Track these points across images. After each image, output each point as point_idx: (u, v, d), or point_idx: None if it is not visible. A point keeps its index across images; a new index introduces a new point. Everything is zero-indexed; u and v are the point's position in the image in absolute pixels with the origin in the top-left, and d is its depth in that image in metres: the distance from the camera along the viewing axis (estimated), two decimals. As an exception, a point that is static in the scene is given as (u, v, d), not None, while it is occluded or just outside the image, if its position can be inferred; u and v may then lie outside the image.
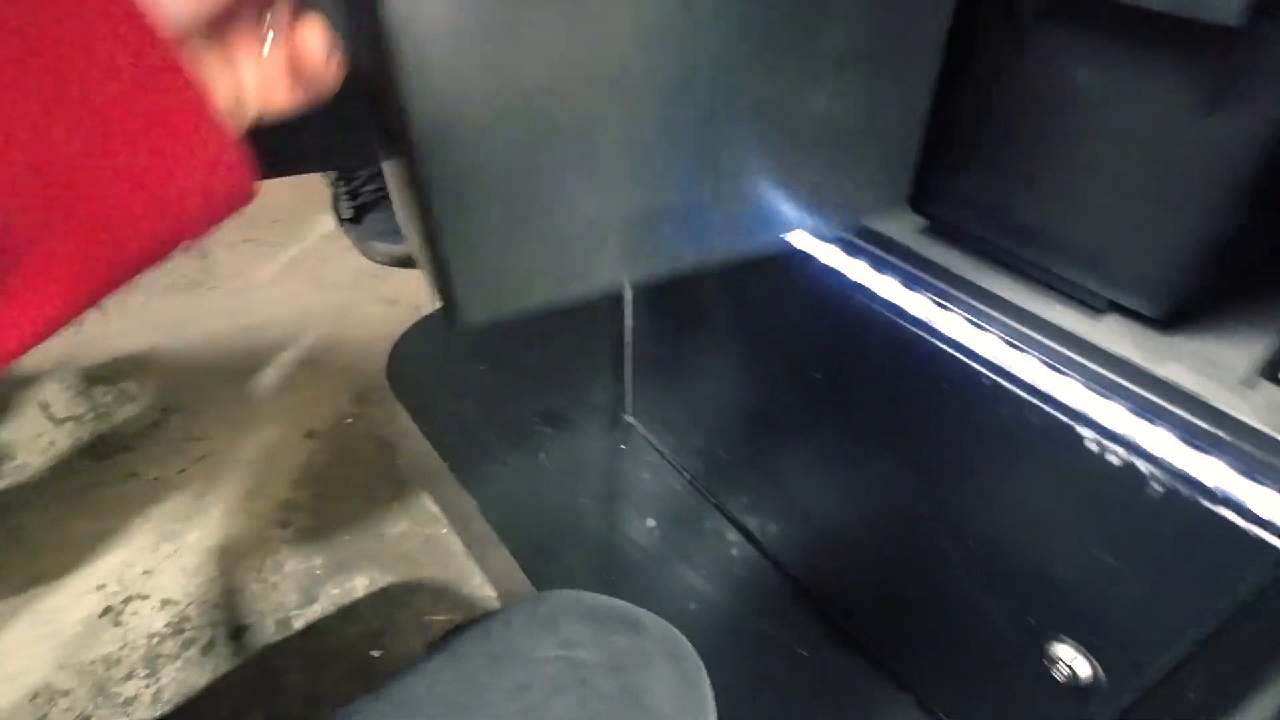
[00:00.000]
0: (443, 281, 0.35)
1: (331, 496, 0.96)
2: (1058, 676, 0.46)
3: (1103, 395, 0.38)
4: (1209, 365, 0.38)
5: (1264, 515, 0.33)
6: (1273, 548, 0.33)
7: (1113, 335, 0.40)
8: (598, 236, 0.37)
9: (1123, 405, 0.37)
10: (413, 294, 1.28)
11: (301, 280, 1.32)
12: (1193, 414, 0.36)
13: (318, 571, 0.87)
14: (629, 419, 0.85)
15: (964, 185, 0.45)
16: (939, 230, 0.48)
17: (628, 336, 0.77)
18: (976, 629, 0.51)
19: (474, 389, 0.92)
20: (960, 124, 0.43)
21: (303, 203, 1.49)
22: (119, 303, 1.19)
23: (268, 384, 1.11)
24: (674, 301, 0.68)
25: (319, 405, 1.07)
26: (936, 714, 0.59)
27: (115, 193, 0.22)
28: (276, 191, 1.37)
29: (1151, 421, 0.36)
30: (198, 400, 1.08)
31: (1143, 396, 0.37)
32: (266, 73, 0.27)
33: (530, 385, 0.91)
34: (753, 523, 0.71)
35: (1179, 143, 0.35)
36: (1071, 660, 0.45)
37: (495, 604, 0.85)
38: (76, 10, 0.20)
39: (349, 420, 1.06)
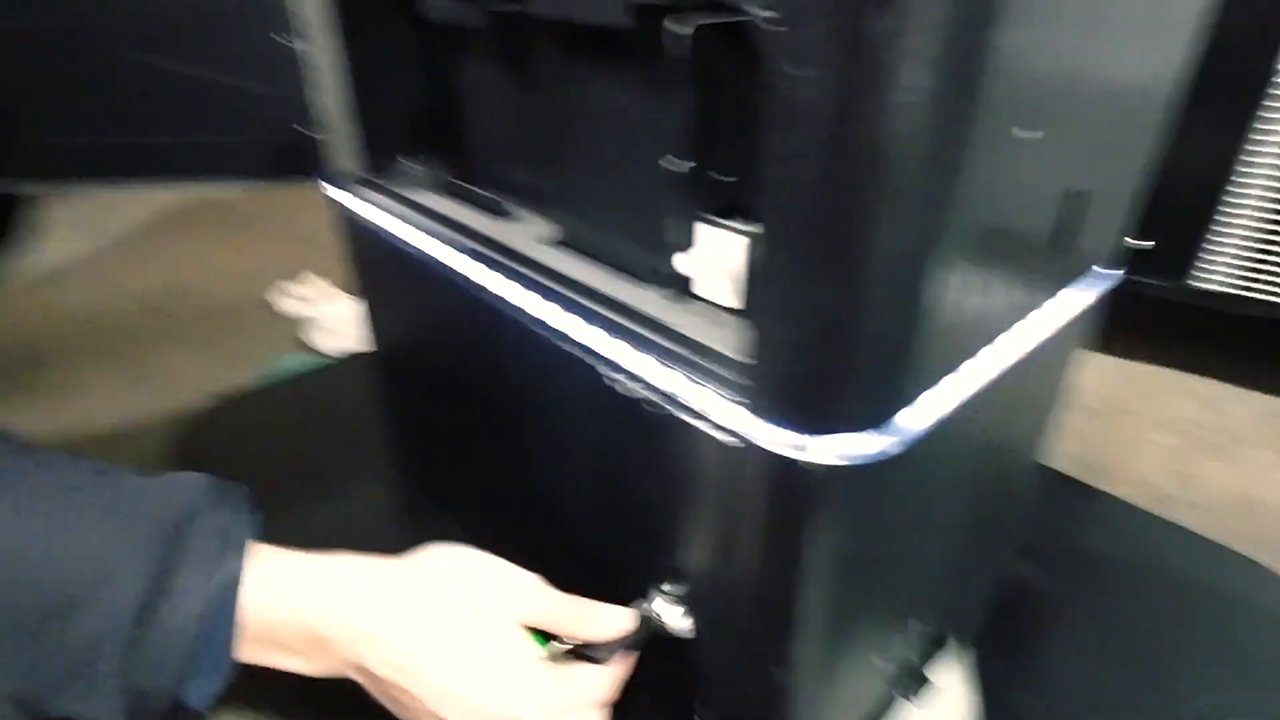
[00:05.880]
0: None
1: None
2: (672, 631, 0.48)
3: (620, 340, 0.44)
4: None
5: (707, 413, 0.39)
6: (712, 437, 0.39)
7: (646, 299, 0.46)
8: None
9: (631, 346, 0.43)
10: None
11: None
12: (676, 345, 0.42)
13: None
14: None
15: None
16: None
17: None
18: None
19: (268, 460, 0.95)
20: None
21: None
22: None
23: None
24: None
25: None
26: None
27: None
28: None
29: (648, 354, 0.42)
30: None
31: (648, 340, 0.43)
32: None
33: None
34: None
35: (649, 129, 0.43)
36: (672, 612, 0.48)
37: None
38: None
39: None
